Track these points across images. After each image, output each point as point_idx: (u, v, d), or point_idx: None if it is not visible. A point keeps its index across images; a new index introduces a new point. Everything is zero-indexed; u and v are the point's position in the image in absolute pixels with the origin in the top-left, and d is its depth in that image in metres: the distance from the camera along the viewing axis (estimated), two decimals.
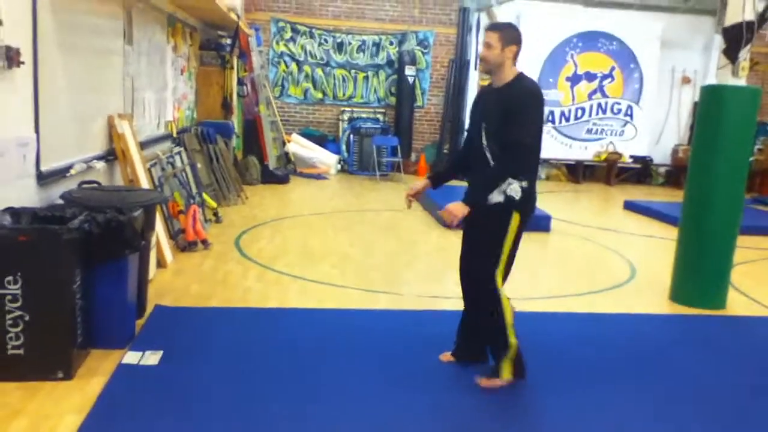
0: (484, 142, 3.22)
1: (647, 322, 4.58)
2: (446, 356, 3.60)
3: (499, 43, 3.18)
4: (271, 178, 9.66)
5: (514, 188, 3.17)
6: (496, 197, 3.19)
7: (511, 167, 3.16)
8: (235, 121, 9.59)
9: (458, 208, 3.17)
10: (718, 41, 5.46)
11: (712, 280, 4.87)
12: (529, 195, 3.23)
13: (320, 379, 3.31)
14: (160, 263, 4.98)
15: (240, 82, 9.90)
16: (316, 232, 6.82)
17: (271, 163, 9.94)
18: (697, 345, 4.20)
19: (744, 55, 4.98)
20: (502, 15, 10.85)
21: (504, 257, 3.26)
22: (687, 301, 4.90)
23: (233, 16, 8.22)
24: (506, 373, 3.28)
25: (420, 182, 3.60)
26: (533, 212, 3.34)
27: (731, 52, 4.97)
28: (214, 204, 6.82)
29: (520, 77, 3.24)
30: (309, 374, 3.35)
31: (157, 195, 4.75)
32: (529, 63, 11.52)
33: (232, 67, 9.41)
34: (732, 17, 4.92)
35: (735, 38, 4.93)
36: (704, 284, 4.88)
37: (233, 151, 9.15)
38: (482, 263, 3.28)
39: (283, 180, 9.78)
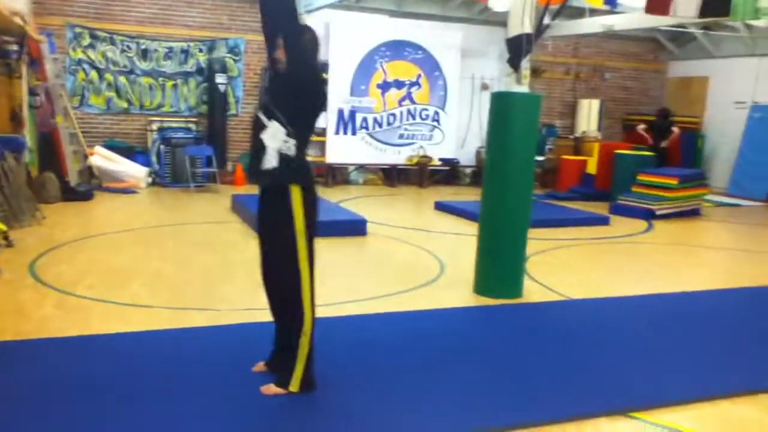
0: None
1: (454, 315, 4.88)
2: (259, 366, 3.57)
3: None
4: (72, 194, 8.94)
5: (289, 146, 3.12)
6: (271, 160, 3.13)
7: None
8: (28, 135, 8.76)
9: None
10: None
11: (509, 271, 5.31)
12: (303, 162, 3.20)
13: (129, 409, 3.13)
14: None
15: (32, 92, 9.05)
16: (123, 250, 6.43)
17: (72, 179, 9.21)
18: (498, 331, 4.55)
19: (525, 64, 5.49)
20: (311, 23, 10.96)
21: (302, 250, 3.20)
22: (489, 292, 5.29)
23: (18, 20, 7.51)
24: (294, 386, 3.31)
25: None
26: (315, 189, 3.27)
27: (514, 62, 5.46)
28: (3, 227, 6.19)
29: None
30: (116, 406, 3.15)
31: None
32: (341, 71, 11.84)
33: (20, 76, 8.58)
34: (513, 30, 5.39)
35: (517, 49, 5.42)
36: (502, 275, 5.30)
37: (26, 167, 8.34)
38: (282, 263, 3.25)
39: (86, 196, 9.09)
